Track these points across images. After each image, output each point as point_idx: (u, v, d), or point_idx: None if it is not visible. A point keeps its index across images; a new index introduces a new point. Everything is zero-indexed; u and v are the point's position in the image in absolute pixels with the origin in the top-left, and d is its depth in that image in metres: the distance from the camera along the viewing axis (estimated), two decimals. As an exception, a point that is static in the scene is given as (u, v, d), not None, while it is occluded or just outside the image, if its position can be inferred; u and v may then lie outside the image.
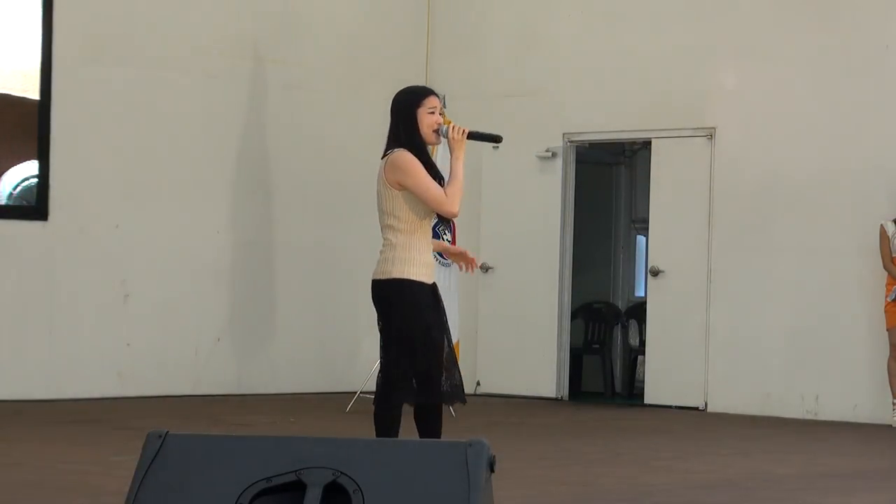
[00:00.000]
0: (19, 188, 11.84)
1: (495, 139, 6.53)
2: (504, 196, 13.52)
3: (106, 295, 12.08)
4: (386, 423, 6.31)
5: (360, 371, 12.63)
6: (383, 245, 6.43)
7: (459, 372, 6.50)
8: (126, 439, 8.68)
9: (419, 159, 6.38)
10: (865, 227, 11.67)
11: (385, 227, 6.42)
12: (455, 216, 6.42)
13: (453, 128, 6.43)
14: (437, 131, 6.43)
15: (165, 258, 12.42)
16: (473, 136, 6.47)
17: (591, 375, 14.46)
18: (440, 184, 6.39)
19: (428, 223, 6.41)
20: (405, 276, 6.35)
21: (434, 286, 6.48)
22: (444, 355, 6.40)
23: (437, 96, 6.54)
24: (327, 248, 13.45)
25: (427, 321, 6.33)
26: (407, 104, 6.46)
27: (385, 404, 6.33)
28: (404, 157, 6.36)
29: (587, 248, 14.62)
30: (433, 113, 6.42)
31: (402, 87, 6.70)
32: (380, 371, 6.40)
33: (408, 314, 6.34)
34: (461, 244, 12.36)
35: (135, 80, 12.24)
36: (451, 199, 6.31)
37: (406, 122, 6.42)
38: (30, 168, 11.85)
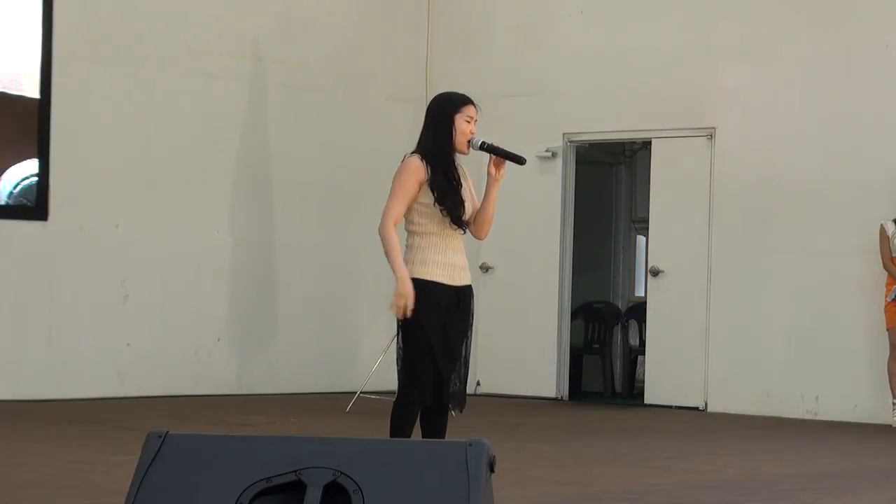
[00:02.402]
0: (19, 187, 11.85)
1: (518, 160, 6.47)
2: (504, 196, 13.44)
3: (106, 295, 12.08)
4: (395, 422, 6.33)
5: (360, 371, 12.64)
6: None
7: (465, 377, 6.49)
8: (126, 439, 8.68)
9: (441, 167, 6.33)
10: (865, 227, 11.68)
11: (406, 229, 6.47)
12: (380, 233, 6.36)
13: (493, 165, 6.36)
14: (469, 141, 6.40)
15: (165, 258, 12.42)
16: (492, 150, 6.41)
17: (591, 375, 14.46)
18: (455, 196, 6.34)
19: (446, 225, 6.38)
20: (414, 275, 6.34)
21: (462, 289, 6.44)
22: (460, 359, 6.42)
23: (476, 106, 6.49)
24: (327, 248, 13.46)
25: (427, 321, 6.31)
26: (445, 109, 6.43)
27: (398, 401, 6.37)
28: (404, 164, 6.38)
29: (587, 248, 14.62)
30: (469, 122, 6.40)
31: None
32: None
33: (407, 315, 6.36)
34: (461, 244, 12.38)
35: (135, 80, 12.24)
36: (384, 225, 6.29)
37: (441, 127, 6.39)
38: (30, 167, 11.86)
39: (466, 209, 6.43)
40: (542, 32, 13.65)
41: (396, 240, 6.32)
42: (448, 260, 6.39)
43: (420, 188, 6.32)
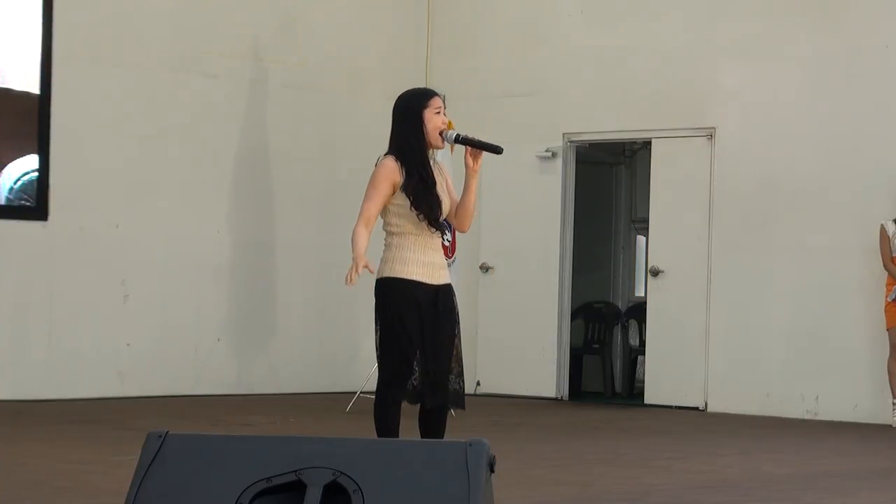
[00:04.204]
0: (20, 182, 11.85)
1: (495, 149, 6.44)
2: (504, 196, 13.52)
3: (106, 295, 12.08)
4: (381, 422, 6.31)
5: (360, 371, 12.63)
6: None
7: (462, 377, 6.46)
8: (126, 439, 8.68)
9: (416, 167, 6.29)
10: (865, 227, 11.68)
11: (384, 230, 6.44)
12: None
13: (470, 156, 6.36)
14: (441, 134, 6.37)
15: (165, 258, 12.42)
16: (467, 141, 6.38)
17: (591, 375, 14.46)
18: (430, 198, 6.33)
19: (423, 225, 6.36)
20: (393, 274, 6.33)
21: (441, 287, 6.41)
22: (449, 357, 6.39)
23: (441, 98, 6.47)
24: (327, 248, 13.45)
25: (407, 321, 6.28)
26: (412, 106, 6.38)
27: (378, 402, 6.34)
28: (379, 165, 6.35)
29: (587, 248, 14.62)
30: (439, 113, 6.36)
31: (404, 89, 6.63)
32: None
33: (388, 312, 6.34)
34: (461, 244, 12.40)
35: (135, 80, 12.24)
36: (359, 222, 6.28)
37: (411, 124, 6.35)
38: (30, 162, 11.85)
39: (444, 208, 6.40)
40: (542, 32, 13.65)
41: (363, 236, 6.25)
42: (427, 259, 6.36)
43: (394, 190, 6.30)
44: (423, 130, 6.34)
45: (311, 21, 13.41)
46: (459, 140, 6.37)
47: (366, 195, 6.33)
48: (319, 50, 13.45)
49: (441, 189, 6.40)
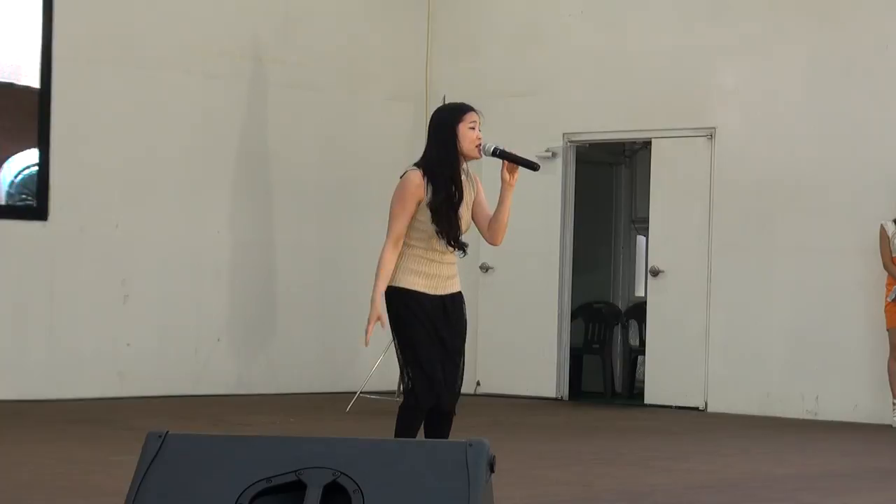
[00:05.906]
0: (20, 176, 11.84)
1: (532, 165, 6.48)
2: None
3: (106, 295, 12.08)
4: (400, 424, 6.33)
5: (360, 371, 12.63)
6: None
7: (460, 382, 6.50)
8: (126, 439, 8.68)
9: (443, 183, 6.29)
10: (865, 227, 11.68)
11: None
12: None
13: (507, 170, 6.35)
14: (479, 147, 6.37)
15: (165, 258, 12.42)
16: (505, 155, 6.40)
17: (591, 375, 14.46)
18: (453, 212, 6.31)
19: (437, 239, 6.36)
20: (400, 284, 6.36)
21: (448, 297, 6.43)
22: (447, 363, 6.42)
23: (477, 112, 6.47)
24: (327, 248, 13.46)
25: (413, 329, 6.30)
26: (447, 120, 6.39)
27: (403, 404, 6.39)
28: (403, 180, 6.35)
29: (587, 248, 14.62)
30: (473, 128, 6.37)
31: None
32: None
33: (397, 321, 6.38)
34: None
35: (135, 79, 12.24)
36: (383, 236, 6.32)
37: (444, 139, 6.35)
38: (31, 157, 11.85)
39: (463, 226, 6.40)
40: (542, 32, 13.65)
41: (389, 263, 6.32)
42: (434, 271, 6.38)
43: (418, 206, 6.31)
44: (455, 145, 6.36)
45: (311, 21, 13.41)
46: (497, 154, 6.40)
47: (392, 214, 6.34)
48: (319, 50, 13.45)
49: (464, 206, 6.40)
